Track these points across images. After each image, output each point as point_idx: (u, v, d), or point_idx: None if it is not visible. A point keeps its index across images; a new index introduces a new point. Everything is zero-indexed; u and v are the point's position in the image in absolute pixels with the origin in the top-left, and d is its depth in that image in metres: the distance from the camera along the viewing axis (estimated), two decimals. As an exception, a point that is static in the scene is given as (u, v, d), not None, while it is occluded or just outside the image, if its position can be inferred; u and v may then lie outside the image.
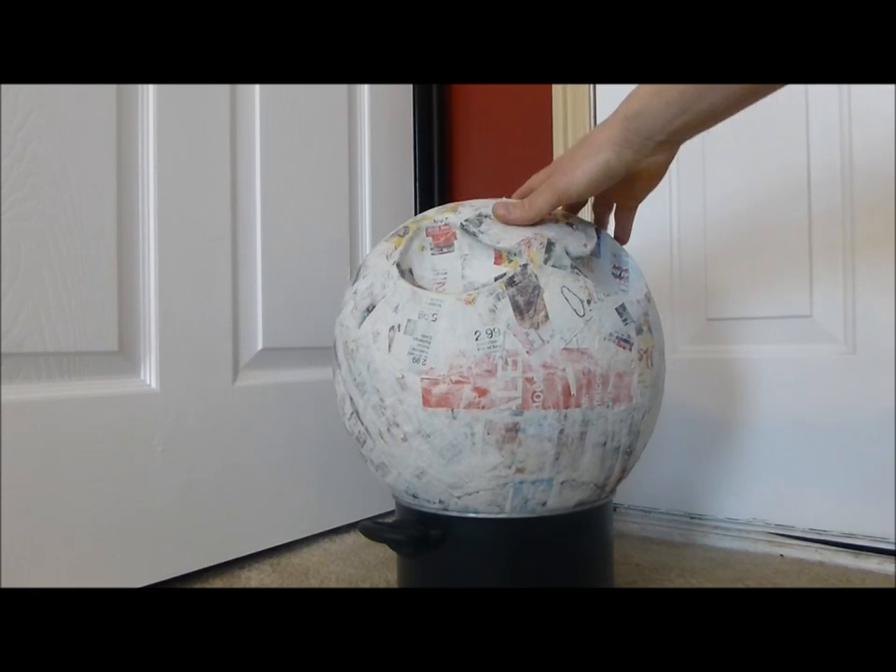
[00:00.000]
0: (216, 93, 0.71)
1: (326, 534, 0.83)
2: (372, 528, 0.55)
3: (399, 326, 0.49)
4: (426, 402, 0.48)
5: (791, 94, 0.76)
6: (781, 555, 0.75)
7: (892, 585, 0.65)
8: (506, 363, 0.47)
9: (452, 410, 0.48)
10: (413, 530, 0.53)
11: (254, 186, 0.76)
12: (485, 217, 0.53)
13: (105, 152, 0.62)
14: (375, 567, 0.71)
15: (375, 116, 0.92)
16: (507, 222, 0.52)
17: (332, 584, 0.67)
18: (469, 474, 0.50)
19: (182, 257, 0.67)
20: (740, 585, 0.65)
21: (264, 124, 0.76)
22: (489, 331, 0.47)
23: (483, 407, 0.47)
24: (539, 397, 0.47)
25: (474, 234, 0.52)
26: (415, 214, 0.99)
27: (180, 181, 0.67)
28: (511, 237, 0.51)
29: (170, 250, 0.66)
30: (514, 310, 0.48)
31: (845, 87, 0.74)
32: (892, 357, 0.71)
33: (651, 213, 0.87)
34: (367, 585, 0.66)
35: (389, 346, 0.50)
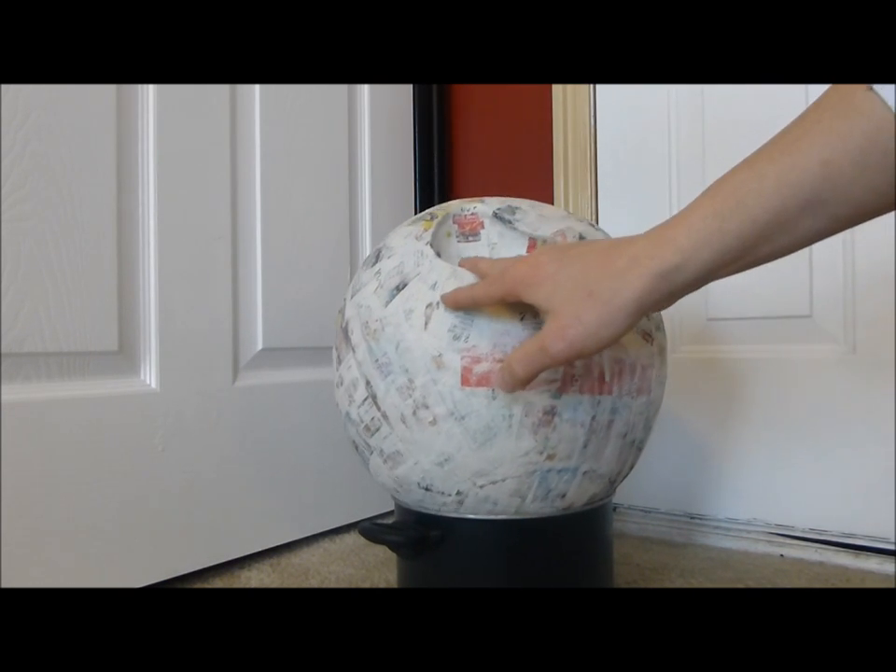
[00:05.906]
0: (216, 93, 0.71)
1: (326, 534, 0.83)
2: (372, 530, 0.55)
3: (437, 303, 0.49)
4: (464, 381, 0.48)
5: (791, 95, 0.76)
6: (781, 555, 0.75)
7: (892, 585, 0.65)
8: None
9: (493, 390, 0.47)
10: (413, 531, 0.53)
11: (254, 186, 0.76)
12: (516, 208, 0.54)
13: (105, 152, 0.62)
14: (375, 567, 0.71)
15: (375, 116, 0.92)
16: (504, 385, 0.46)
17: (332, 584, 0.67)
18: (499, 459, 0.49)
19: (182, 257, 0.67)
20: (740, 585, 0.65)
21: (264, 124, 0.76)
22: (534, 312, 0.48)
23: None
24: (577, 381, 0.48)
25: (509, 222, 0.53)
26: (415, 213, 0.98)
27: (180, 181, 0.67)
28: (544, 228, 0.53)
29: (170, 250, 0.66)
30: None
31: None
32: (892, 357, 0.71)
33: (651, 213, 0.87)
34: (367, 585, 0.66)
35: (426, 324, 0.49)
